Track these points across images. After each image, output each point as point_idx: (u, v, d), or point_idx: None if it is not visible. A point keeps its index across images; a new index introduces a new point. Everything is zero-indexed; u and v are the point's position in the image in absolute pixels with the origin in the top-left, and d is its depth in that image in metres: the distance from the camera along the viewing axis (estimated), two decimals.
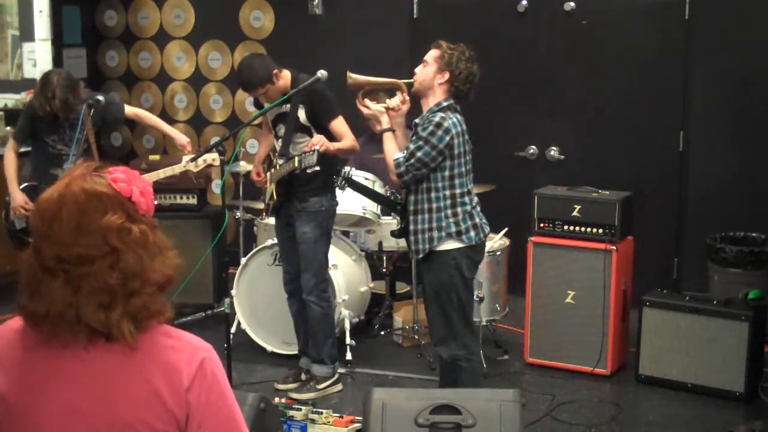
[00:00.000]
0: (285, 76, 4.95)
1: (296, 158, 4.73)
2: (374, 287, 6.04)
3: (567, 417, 4.84)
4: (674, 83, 6.34)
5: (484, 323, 5.50)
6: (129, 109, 5.92)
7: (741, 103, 6.19)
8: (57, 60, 7.40)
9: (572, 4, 6.50)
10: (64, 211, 1.70)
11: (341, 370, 5.31)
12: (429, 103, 4.27)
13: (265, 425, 3.30)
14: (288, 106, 4.93)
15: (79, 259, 1.69)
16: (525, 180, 6.46)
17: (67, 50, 7.57)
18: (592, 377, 5.32)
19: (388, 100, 4.39)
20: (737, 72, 6.18)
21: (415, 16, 6.92)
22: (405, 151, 4.22)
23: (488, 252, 5.29)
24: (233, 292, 5.63)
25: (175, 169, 5.56)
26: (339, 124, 4.90)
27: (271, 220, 5.46)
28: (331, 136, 4.85)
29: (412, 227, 4.30)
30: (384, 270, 6.12)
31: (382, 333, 6.05)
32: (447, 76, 4.22)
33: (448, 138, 4.15)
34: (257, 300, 5.65)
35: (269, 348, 5.62)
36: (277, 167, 4.96)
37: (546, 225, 5.46)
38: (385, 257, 6.03)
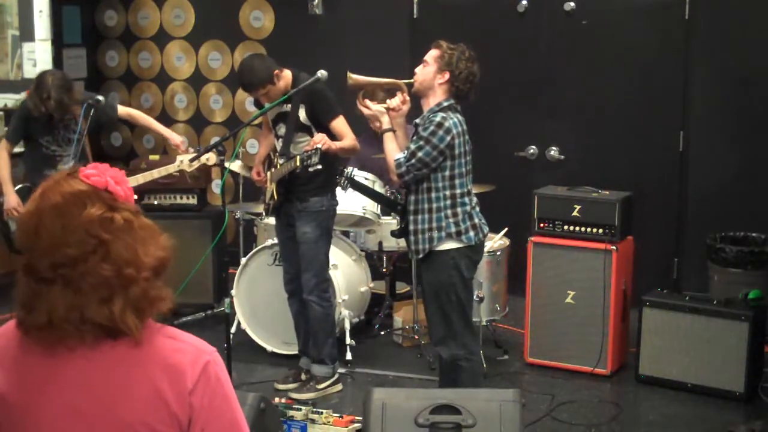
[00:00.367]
0: (286, 76, 4.95)
1: (298, 157, 4.72)
2: (374, 287, 6.04)
3: (567, 417, 4.84)
4: (674, 83, 6.34)
5: (484, 323, 5.50)
6: (122, 110, 5.91)
7: (741, 103, 6.20)
8: (57, 60, 7.40)
9: (572, 4, 6.50)
10: (45, 217, 1.71)
11: (341, 370, 5.31)
12: (429, 103, 4.27)
13: (265, 425, 3.30)
14: (288, 105, 4.92)
15: (72, 260, 1.69)
16: (525, 180, 6.46)
17: (67, 50, 7.58)
18: (592, 377, 5.32)
19: (388, 101, 4.38)
20: (737, 72, 6.18)
21: (415, 16, 6.92)
22: (406, 152, 4.23)
23: (488, 252, 5.29)
24: (233, 292, 5.64)
25: (170, 169, 5.55)
26: (340, 124, 4.90)
27: (271, 220, 5.46)
28: (332, 136, 4.85)
29: (412, 227, 4.30)
30: (384, 270, 6.12)
31: (382, 333, 6.05)
32: (447, 76, 4.22)
33: (449, 138, 4.15)
34: (257, 300, 5.65)
35: (269, 348, 5.62)
36: (278, 167, 4.96)
37: (546, 225, 5.46)
38: (385, 257, 6.03)
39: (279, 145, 5.03)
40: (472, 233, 4.24)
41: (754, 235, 5.87)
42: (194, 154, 5.40)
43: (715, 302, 5.13)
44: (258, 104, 5.17)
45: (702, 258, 5.93)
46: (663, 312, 5.17)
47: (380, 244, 5.89)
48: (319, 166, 4.73)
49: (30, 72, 7.64)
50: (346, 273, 5.63)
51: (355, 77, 4.46)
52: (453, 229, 4.21)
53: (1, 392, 1.73)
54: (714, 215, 6.18)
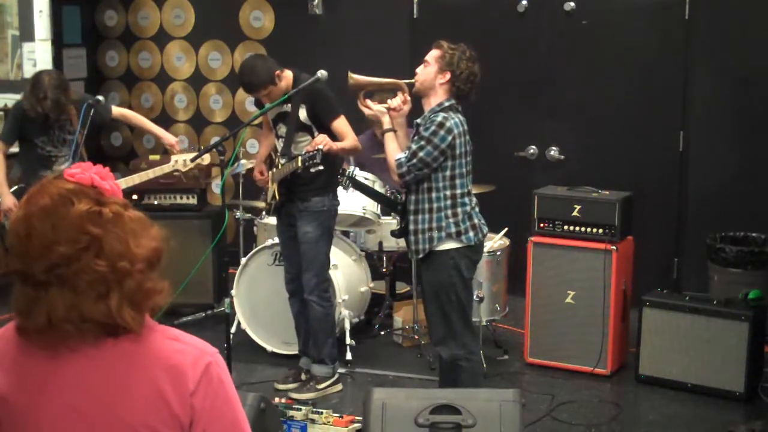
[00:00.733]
0: (287, 77, 4.95)
1: (299, 158, 4.73)
2: (374, 287, 6.05)
3: (567, 417, 4.84)
4: (674, 83, 6.34)
5: (484, 323, 5.50)
6: (116, 110, 5.90)
7: (741, 103, 6.20)
8: (57, 60, 7.40)
9: (572, 4, 6.50)
10: (34, 220, 1.71)
11: (341, 370, 5.31)
12: (431, 103, 4.27)
13: (265, 425, 3.31)
14: (289, 105, 4.93)
15: (66, 259, 1.68)
16: (525, 180, 6.46)
17: (67, 50, 7.57)
18: (592, 377, 5.32)
19: (389, 101, 4.39)
20: (737, 72, 6.18)
21: (415, 16, 6.92)
22: (407, 151, 4.23)
23: (488, 252, 5.29)
24: (233, 292, 5.63)
25: (165, 169, 5.54)
26: (341, 124, 4.90)
27: (272, 220, 5.47)
28: (333, 136, 4.85)
29: (412, 227, 4.30)
30: (384, 270, 6.12)
31: (382, 333, 6.05)
32: (448, 76, 4.22)
33: (450, 138, 4.15)
34: (257, 300, 5.65)
35: (269, 348, 5.62)
36: (279, 167, 4.96)
37: (546, 225, 5.46)
38: (385, 257, 6.03)
39: (280, 145, 5.03)
40: (471, 233, 4.24)
41: (754, 235, 5.87)
42: (190, 154, 5.39)
43: (715, 302, 5.13)
44: (259, 104, 5.17)
45: (702, 258, 5.93)
46: (663, 312, 5.17)
47: (380, 244, 5.89)
48: (321, 167, 4.73)
49: (30, 72, 7.62)
50: (346, 273, 5.63)
51: (356, 77, 4.46)
52: (453, 229, 4.21)
53: (3, 394, 1.73)
54: (714, 215, 6.18)
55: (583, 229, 5.37)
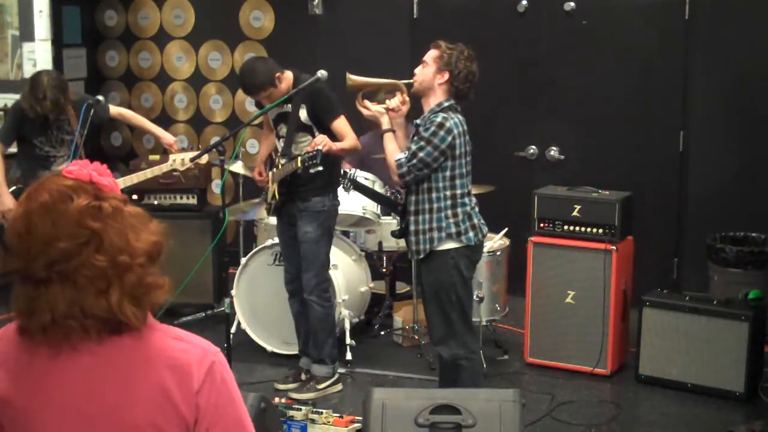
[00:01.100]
0: (287, 78, 4.94)
1: (299, 158, 4.73)
2: (374, 287, 6.04)
3: (567, 417, 4.84)
4: (674, 83, 6.34)
5: (484, 323, 5.50)
6: (114, 110, 5.90)
7: (741, 103, 6.20)
8: (57, 60, 7.40)
9: (572, 4, 6.50)
10: (34, 217, 1.71)
11: (341, 370, 5.31)
12: (430, 103, 4.28)
13: (265, 425, 3.31)
14: (289, 105, 4.93)
15: (66, 254, 1.68)
16: (525, 180, 6.46)
17: (67, 50, 7.57)
18: (592, 377, 5.32)
19: (387, 101, 4.39)
20: (737, 72, 6.18)
21: (415, 16, 6.92)
22: (407, 152, 4.23)
23: (488, 252, 5.29)
24: (233, 292, 5.63)
25: (163, 168, 5.54)
26: (341, 124, 4.89)
27: (272, 220, 5.46)
28: (333, 136, 4.85)
29: (412, 228, 4.30)
30: (384, 270, 6.12)
31: (382, 333, 6.05)
32: (447, 76, 4.22)
33: (450, 138, 4.15)
34: (257, 300, 5.65)
35: (269, 348, 5.62)
36: (279, 167, 4.96)
37: (546, 225, 5.46)
38: (385, 257, 6.03)
39: (280, 145, 5.03)
40: (471, 233, 4.24)
41: (754, 235, 5.87)
42: (189, 153, 5.40)
43: (715, 302, 5.13)
44: (259, 105, 5.17)
45: (702, 258, 5.93)
46: (663, 312, 5.17)
47: (380, 244, 5.89)
48: (320, 168, 4.73)
49: (30, 72, 7.62)
50: (346, 273, 5.63)
51: (354, 78, 4.46)
52: (453, 230, 4.21)
53: (5, 395, 1.73)
54: (714, 215, 6.18)
55: (583, 229, 5.36)
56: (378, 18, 7.03)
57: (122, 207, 1.76)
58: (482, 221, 4.34)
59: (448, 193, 4.22)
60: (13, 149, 5.81)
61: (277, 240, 5.35)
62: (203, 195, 6.46)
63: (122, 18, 7.82)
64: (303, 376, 5.19)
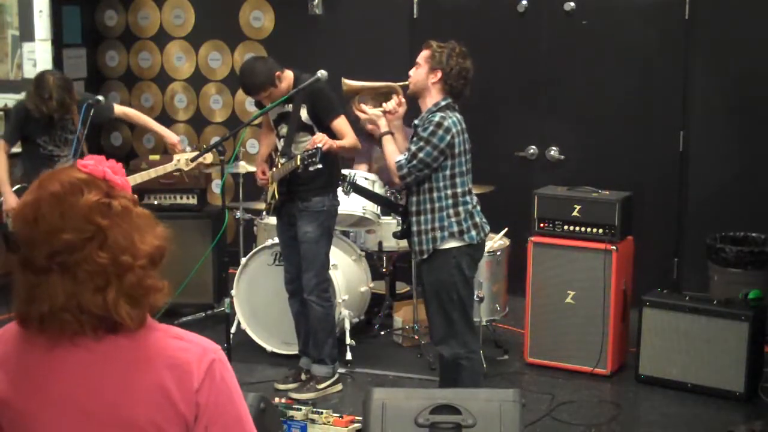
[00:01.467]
0: (288, 78, 4.95)
1: (298, 157, 4.73)
2: (374, 287, 6.04)
3: (567, 417, 4.84)
4: (674, 83, 6.34)
5: (484, 323, 5.50)
6: (118, 109, 5.92)
7: (741, 103, 6.20)
8: (57, 60, 7.40)
9: (572, 4, 6.50)
10: (43, 205, 1.71)
11: (341, 370, 5.31)
12: (427, 103, 4.28)
13: (265, 425, 3.31)
14: (290, 105, 4.93)
15: (70, 246, 1.68)
16: (525, 180, 6.46)
17: (67, 50, 7.57)
18: (592, 377, 5.32)
19: (384, 104, 4.40)
20: (737, 72, 6.18)
21: (415, 16, 6.92)
22: (406, 153, 4.23)
23: (488, 252, 5.29)
24: (233, 292, 5.63)
25: (167, 168, 5.55)
26: (341, 123, 4.90)
27: (272, 220, 5.47)
28: (333, 135, 4.85)
29: (415, 228, 4.30)
30: (384, 270, 6.12)
31: (382, 333, 6.05)
32: (439, 74, 4.23)
33: (448, 137, 4.15)
34: (257, 300, 5.65)
35: (269, 348, 5.62)
36: (279, 166, 4.96)
37: (546, 225, 5.46)
38: (385, 257, 6.03)
39: (281, 144, 5.03)
40: (473, 232, 4.24)
41: (754, 235, 5.87)
42: (192, 153, 5.40)
43: (715, 302, 5.13)
44: (259, 104, 5.17)
45: (702, 258, 5.92)
46: (663, 312, 5.17)
47: (380, 244, 5.89)
48: (320, 166, 4.73)
49: (30, 72, 7.63)
50: (346, 273, 5.63)
51: (349, 83, 4.48)
52: (455, 228, 4.21)
53: (4, 396, 1.73)
54: (714, 215, 6.18)
55: (583, 229, 5.36)
56: (378, 18, 7.03)
57: (131, 207, 1.76)
58: (484, 220, 4.35)
59: (449, 192, 4.22)
60: (17, 149, 5.83)
61: (277, 240, 5.35)
62: (203, 195, 6.46)
63: (122, 18, 7.82)
64: (303, 376, 5.19)
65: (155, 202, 6.26)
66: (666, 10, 6.33)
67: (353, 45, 6.98)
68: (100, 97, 5.42)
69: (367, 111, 4.42)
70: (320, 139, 4.71)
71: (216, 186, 7.26)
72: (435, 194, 4.23)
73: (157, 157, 6.51)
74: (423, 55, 4.29)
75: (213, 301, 6.26)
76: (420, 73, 4.28)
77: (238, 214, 6.29)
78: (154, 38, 7.76)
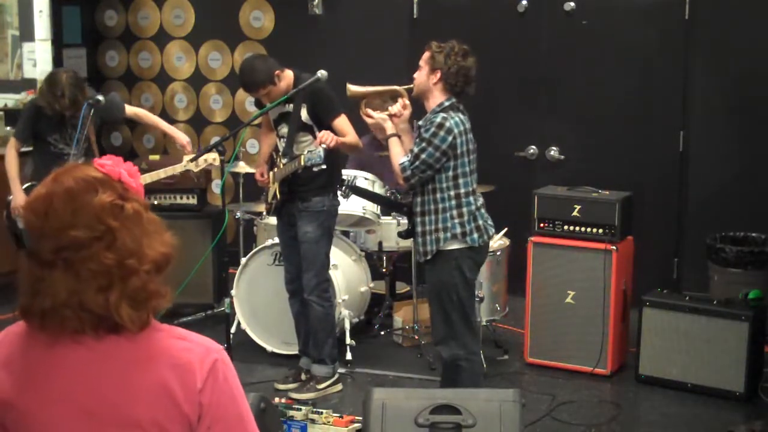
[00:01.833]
0: (287, 77, 4.95)
1: (301, 157, 4.73)
2: (374, 287, 6.04)
3: (567, 417, 4.84)
4: (674, 83, 6.34)
5: (484, 323, 5.50)
6: (129, 109, 5.94)
7: (741, 103, 6.20)
8: (57, 60, 7.40)
9: (572, 4, 6.50)
10: (55, 200, 1.71)
11: (341, 370, 5.31)
12: (431, 104, 4.29)
13: (265, 425, 3.31)
14: (290, 105, 4.93)
15: (77, 244, 1.69)
16: (525, 180, 6.46)
17: (67, 50, 7.58)
18: (592, 377, 5.32)
19: (390, 107, 4.41)
20: (737, 72, 6.18)
21: (415, 16, 6.92)
22: (409, 155, 4.23)
23: (488, 252, 5.28)
24: (233, 292, 5.63)
25: (176, 169, 5.59)
26: (342, 122, 4.90)
27: (272, 220, 5.46)
28: (334, 134, 4.84)
29: (419, 229, 4.31)
30: (384, 270, 6.12)
31: (382, 333, 6.05)
32: (439, 74, 4.23)
33: (450, 138, 4.15)
34: (257, 300, 5.65)
35: (269, 348, 5.62)
36: (280, 166, 4.97)
37: (546, 225, 5.46)
38: (385, 257, 6.03)
39: (281, 145, 5.03)
40: (476, 235, 4.24)
41: (754, 235, 5.87)
42: (201, 155, 5.42)
43: (715, 302, 5.13)
44: (259, 104, 5.17)
45: (702, 258, 5.92)
46: (663, 312, 5.17)
47: (380, 244, 5.89)
48: (323, 166, 4.74)
49: (30, 72, 7.64)
50: (346, 273, 5.63)
51: (353, 89, 4.51)
52: (458, 230, 4.22)
53: (8, 397, 1.73)
54: (714, 215, 6.18)
55: (583, 229, 5.36)
56: (378, 18, 7.03)
57: (143, 212, 1.77)
58: (489, 222, 4.35)
59: (452, 193, 4.23)
60: (27, 147, 5.85)
61: (277, 240, 5.36)
62: (203, 195, 6.45)
63: (122, 18, 7.82)
64: (303, 376, 5.19)
65: (155, 202, 6.26)
66: (666, 10, 6.32)
67: (353, 45, 6.98)
68: (100, 97, 5.42)
69: (374, 115, 4.44)
70: (326, 137, 4.71)
71: (216, 186, 7.27)
72: (438, 195, 4.24)
73: (157, 157, 6.51)
74: (424, 57, 4.31)
75: (213, 301, 6.26)
76: (422, 75, 4.29)
77: (238, 214, 6.29)
78: (154, 38, 7.77)
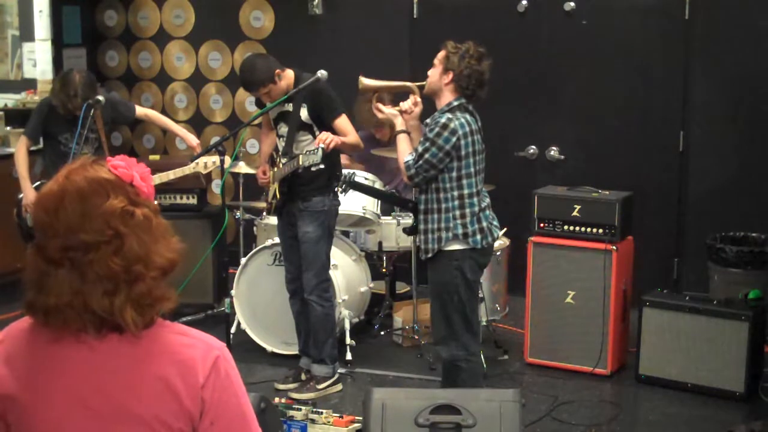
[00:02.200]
0: (288, 76, 4.95)
1: (300, 156, 4.73)
2: (374, 287, 6.04)
3: (567, 417, 4.84)
4: (674, 83, 6.34)
5: (484, 323, 5.50)
6: (140, 110, 6.00)
7: (741, 103, 6.20)
8: (57, 60, 7.40)
9: (572, 4, 6.50)
10: (66, 199, 1.71)
11: (341, 370, 5.31)
12: (440, 104, 4.29)
13: (266, 425, 3.30)
14: (290, 105, 4.93)
15: (85, 246, 1.69)
16: (525, 180, 6.46)
17: (67, 50, 7.57)
18: (592, 377, 5.31)
19: (401, 103, 4.41)
20: (737, 72, 6.18)
21: (415, 16, 6.92)
22: (414, 153, 4.23)
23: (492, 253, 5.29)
24: (233, 292, 5.63)
25: (185, 170, 5.64)
26: (343, 122, 4.90)
27: (272, 220, 5.46)
28: (335, 134, 4.84)
29: (422, 226, 4.31)
30: (384, 270, 6.12)
31: (382, 333, 6.05)
32: (451, 75, 4.23)
33: (454, 139, 4.15)
34: (257, 300, 5.65)
35: (269, 348, 5.62)
36: (280, 166, 4.97)
37: (546, 225, 5.46)
38: (385, 257, 6.03)
39: (281, 144, 5.03)
40: (479, 236, 4.24)
41: (754, 235, 5.87)
42: (212, 157, 5.44)
43: (715, 302, 5.13)
44: (259, 103, 5.17)
45: (702, 258, 5.92)
46: (663, 312, 5.17)
47: (380, 244, 5.89)
48: (322, 166, 4.74)
49: (30, 72, 7.65)
50: (346, 273, 5.63)
51: (366, 82, 4.49)
52: (460, 231, 4.21)
53: (11, 393, 1.74)
54: (714, 215, 6.18)
55: (583, 229, 5.36)
56: (378, 18, 7.03)
57: (152, 218, 1.77)
58: (494, 223, 4.35)
59: (455, 193, 4.22)
60: (36, 146, 5.87)
61: (277, 240, 5.36)
62: (203, 195, 6.46)
63: (122, 18, 7.82)
64: (303, 376, 5.19)
65: (155, 202, 6.25)
66: (666, 10, 6.32)
67: (353, 45, 6.98)
68: (100, 97, 5.44)
69: (384, 110, 4.43)
70: (325, 138, 4.71)
71: (216, 186, 7.26)
72: (441, 195, 4.24)
73: (157, 157, 6.52)
74: (439, 56, 4.29)
75: (213, 301, 6.26)
76: (434, 74, 4.28)
77: (238, 214, 6.29)
78: (154, 38, 7.77)
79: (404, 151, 4.32)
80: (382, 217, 5.79)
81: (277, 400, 4.56)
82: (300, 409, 4.45)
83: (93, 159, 1.80)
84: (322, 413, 4.48)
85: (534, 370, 5.45)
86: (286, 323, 5.39)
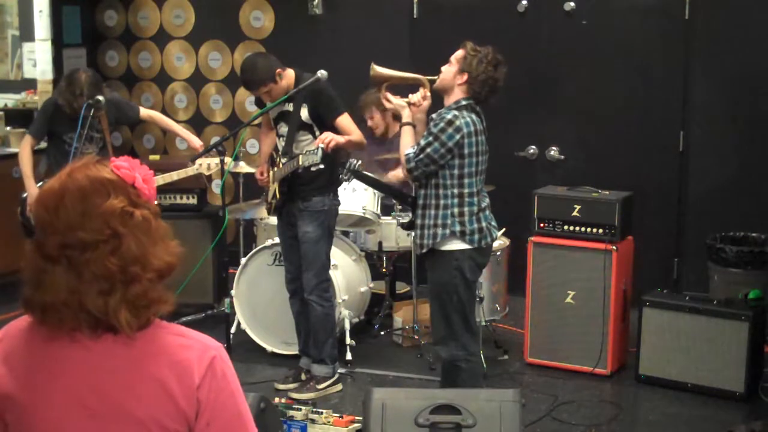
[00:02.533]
0: (288, 76, 4.95)
1: (300, 156, 4.73)
2: (374, 287, 6.04)
3: (567, 417, 4.84)
4: (674, 83, 6.34)
5: (484, 323, 5.50)
6: (144, 112, 6.01)
7: (741, 103, 6.20)
8: (57, 60, 7.40)
9: (572, 4, 6.50)
10: (67, 197, 1.72)
11: (341, 370, 5.31)
12: (449, 101, 4.29)
13: (266, 425, 3.31)
14: (290, 104, 4.93)
15: (83, 245, 1.69)
16: (525, 180, 6.46)
17: (67, 50, 7.57)
18: (592, 377, 5.32)
19: (410, 96, 4.40)
20: (737, 72, 6.18)
21: (415, 16, 6.92)
22: (416, 147, 4.23)
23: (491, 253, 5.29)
24: (233, 292, 5.63)
25: (188, 172, 5.64)
26: (345, 121, 4.90)
27: (272, 220, 5.46)
28: (338, 134, 4.84)
29: (419, 221, 4.31)
30: (384, 270, 6.12)
31: (382, 333, 6.05)
32: (466, 77, 4.22)
33: (458, 137, 4.15)
34: (257, 300, 5.65)
35: (269, 348, 5.62)
36: (280, 166, 4.97)
37: (546, 225, 5.46)
38: (385, 257, 6.03)
39: (281, 144, 5.03)
40: (477, 236, 4.23)
41: (754, 235, 5.87)
42: (214, 158, 5.45)
43: (715, 302, 5.13)
44: (259, 103, 5.17)
45: (702, 258, 5.93)
46: (663, 312, 5.17)
47: (380, 244, 5.89)
48: (321, 166, 4.74)
49: (30, 72, 7.65)
50: (346, 273, 5.63)
51: (378, 69, 4.47)
52: (458, 229, 4.21)
53: (9, 392, 1.74)
54: (714, 215, 6.18)
55: (583, 229, 5.36)
56: (378, 18, 7.03)
57: (152, 220, 1.77)
58: (493, 223, 4.35)
59: (455, 191, 4.22)
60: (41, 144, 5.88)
61: (277, 240, 5.36)
62: (203, 195, 6.46)
63: (122, 18, 7.82)
64: (303, 376, 5.19)
65: (155, 202, 6.25)
66: (666, 10, 6.33)
67: (353, 45, 6.98)
68: (100, 98, 5.44)
69: (392, 100, 4.43)
70: (325, 138, 4.71)
71: (216, 186, 7.26)
72: (441, 191, 4.23)
73: (157, 157, 6.52)
74: (456, 55, 4.28)
75: (213, 301, 6.26)
76: (449, 71, 4.27)
77: (239, 216, 6.29)
78: (154, 38, 7.77)
79: (406, 144, 4.31)
80: (382, 217, 5.79)
81: (277, 400, 4.56)
82: (300, 409, 4.45)
83: (96, 159, 1.80)
84: (322, 413, 4.48)
85: (534, 370, 5.45)
86: (286, 323, 5.40)
